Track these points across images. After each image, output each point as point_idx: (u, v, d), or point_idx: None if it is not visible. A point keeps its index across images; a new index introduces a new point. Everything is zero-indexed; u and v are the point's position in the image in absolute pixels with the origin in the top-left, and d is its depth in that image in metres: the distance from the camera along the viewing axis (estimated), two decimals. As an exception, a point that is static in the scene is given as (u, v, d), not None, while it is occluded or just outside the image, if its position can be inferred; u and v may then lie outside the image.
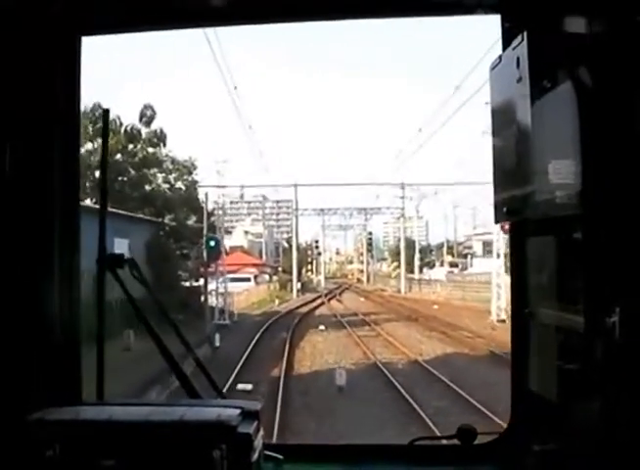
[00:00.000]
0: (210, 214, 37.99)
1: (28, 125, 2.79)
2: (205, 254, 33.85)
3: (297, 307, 43.44)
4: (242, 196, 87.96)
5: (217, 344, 25.90)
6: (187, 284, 36.47)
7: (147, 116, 34.04)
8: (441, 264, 70.06)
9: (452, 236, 72.91)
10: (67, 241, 2.91)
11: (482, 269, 48.68)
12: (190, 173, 36.88)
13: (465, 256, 71.30)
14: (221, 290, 36.64)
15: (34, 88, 2.79)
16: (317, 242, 64.92)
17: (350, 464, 2.88)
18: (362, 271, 75.90)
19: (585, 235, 2.44)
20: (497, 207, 2.71)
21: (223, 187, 38.26)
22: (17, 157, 2.77)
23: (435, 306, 41.76)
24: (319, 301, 48.93)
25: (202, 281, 36.78)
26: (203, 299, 34.33)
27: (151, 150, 33.95)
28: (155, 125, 34.64)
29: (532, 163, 2.43)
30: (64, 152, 2.90)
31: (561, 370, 2.53)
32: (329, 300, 50.21)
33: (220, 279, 36.76)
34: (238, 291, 44.24)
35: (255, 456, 2.26)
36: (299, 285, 55.45)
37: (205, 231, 34.95)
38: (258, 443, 2.31)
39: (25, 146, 2.79)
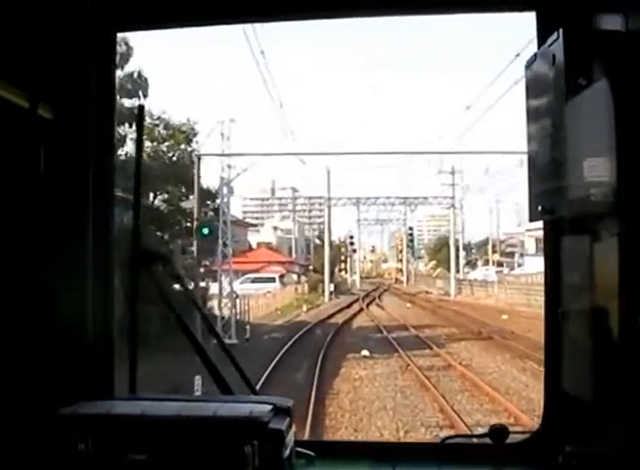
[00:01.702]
0: (214, 195, 26.36)
1: (64, 121, 2.72)
2: (195, 246, 22.03)
3: (330, 316, 32.72)
4: (272, 191, 79.23)
5: (199, 392, 14.57)
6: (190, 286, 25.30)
7: (118, 53, 22.28)
8: (485, 263, 61.23)
9: (495, 233, 63.96)
10: (100, 236, 2.82)
11: (536, 269, 39.55)
12: (189, 142, 25.81)
13: (509, 254, 62.35)
14: (232, 293, 26.06)
15: (69, 85, 2.73)
16: (352, 237, 54.89)
17: (382, 462, 2.73)
18: (401, 271, 65.98)
19: (620, 234, 2.25)
20: (532, 205, 2.56)
21: (228, 156, 25.39)
22: (52, 154, 2.70)
23: (505, 317, 30.71)
24: (356, 306, 38.12)
25: (211, 282, 26.41)
26: (205, 306, 23.11)
27: (126, 103, 22.30)
28: (133, 66, 23.52)
29: (568, 161, 2.29)
30: (99, 147, 2.81)
31: (594, 371, 2.37)
32: (367, 305, 39.45)
33: (235, 280, 26.14)
34: (260, 293, 34.70)
35: (287, 453, 2.20)
36: (332, 286, 44.83)
37: (195, 215, 22.62)
38: (290, 439, 2.25)
39: (61, 140, 2.73)
